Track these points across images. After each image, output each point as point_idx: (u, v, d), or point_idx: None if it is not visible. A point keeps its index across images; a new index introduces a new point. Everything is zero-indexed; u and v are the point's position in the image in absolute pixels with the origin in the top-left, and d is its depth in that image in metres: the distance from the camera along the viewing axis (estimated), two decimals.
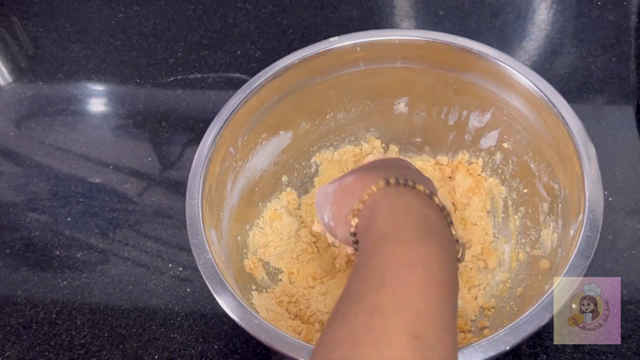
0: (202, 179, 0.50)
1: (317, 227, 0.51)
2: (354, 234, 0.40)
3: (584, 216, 0.45)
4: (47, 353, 0.57)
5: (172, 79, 0.78)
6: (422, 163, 0.63)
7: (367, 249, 0.36)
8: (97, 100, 0.79)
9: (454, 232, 0.39)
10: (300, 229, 0.60)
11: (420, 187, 0.39)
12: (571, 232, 0.47)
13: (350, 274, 0.35)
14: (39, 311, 0.60)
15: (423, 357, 0.29)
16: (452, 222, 0.39)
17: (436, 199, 0.39)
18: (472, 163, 0.62)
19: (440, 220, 0.38)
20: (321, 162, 0.64)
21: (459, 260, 0.39)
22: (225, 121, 0.53)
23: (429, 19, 0.80)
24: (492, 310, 0.54)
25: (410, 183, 0.39)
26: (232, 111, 0.53)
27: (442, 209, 0.39)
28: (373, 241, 0.36)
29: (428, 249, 0.34)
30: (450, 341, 0.32)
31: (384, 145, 0.65)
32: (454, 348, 0.32)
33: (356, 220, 0.40)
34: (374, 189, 0.39)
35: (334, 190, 0.43)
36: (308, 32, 0.80)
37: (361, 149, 0.64)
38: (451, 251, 0.37)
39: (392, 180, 0.39)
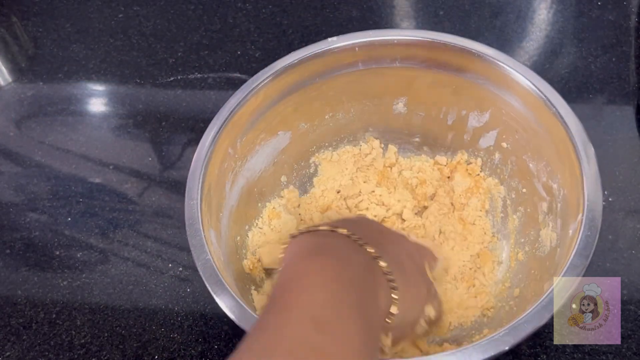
0: (201, 180, 0.50)
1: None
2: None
3: (583, 216, 0.45)
4: (47, 353, 0.57)
5: (172, 79, 0.78)
6: (421, 163, 0.63)
7: (278, 277, 0.40)
8: (97, 100, 0.79)
9: (368, 249, 0.41)
10: (299, 226, 0.60)
11: (323, 227, 0.43)
12: (570, 231, 0.47)
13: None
14: (39, 311, 0.60)
15: (321, 333, 0.33)
16: (363, 243, 0.41)
17: (340, 230, 0.42)
18: (470, 163, 0.62)
19: (339, 243, 0.41)
20: (320, 162, 0.64)
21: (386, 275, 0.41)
22: (224, 122, 0.53)
23: (429, 19, 0.80)
24: (492, 310, 0.54)
25: (311, 229, 0.43)
26: (231, 112, 0.53)
27: (348, 235, 0.42)
28: (282, 270, 0.41)
29: (321, 260, 0.39)
30: (347, 322, 0.35)
31: (382, 145, 0.65)
32: (352, 329, 0.35)
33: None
34: (285, 245, 0.43)
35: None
36: (308, 32, 0.80)
37: (360, 149, 0.64)
38: (351, 261, 0.40)
39: (296, 233, 0.43)
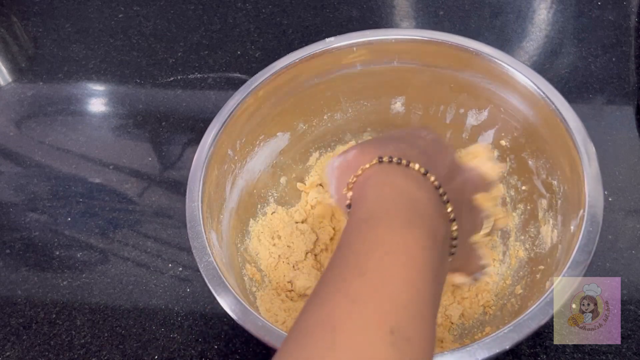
0: (201, 182, 0.50)
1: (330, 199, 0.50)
2: (349, 206, 0.40)
3: (584, 212, 0.45)
4: (47, 353, 0.57)
5: (172, 79, 0.78)
6: None
7: (351, 229, 0.36)
8: (97, 100, 0.79)
9: (449, 210, 0.38)
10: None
11: (415, 166, 0.38)
12: (572, 228, 0.47)
13: (333, 254, 0.35)
14: (39, 311, 0.60)
15: (396, 351, 0.30)
16: (448, 201, 0.38)
17: (432, 178, 0.38)
18: None
19: (431, 202, 0.37)
20: (319, 163, 0.64)
21: (454, 239, 0.39)
22: (223, 123, 0.53)
23: (429, 19, 0.81)
24: (493, 307, 0.54)
25: (404, 162, 0.38)
26: (230, 113, 0.53)
27: (437, 187, 0.38)
28: (358, 222, 0.36)
29: (412, 233, 0.34)
30: (427, 334, 0.32)
31: None
32: (430, 341, 0.32)
33: (350, 193, 0.40)
34: (367, 165, 0.39)
35: (339, 164, 0.43)
36: (308, 32, 0.80)
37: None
38: (440, 234, 0.36)
39: (385, 159, 0.38)
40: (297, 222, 0.61)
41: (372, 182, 0.38)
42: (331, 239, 0.60)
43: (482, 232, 0.44)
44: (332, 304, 0.31)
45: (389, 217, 0.35)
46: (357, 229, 0.35)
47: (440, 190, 0.38)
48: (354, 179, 0.39)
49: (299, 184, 0.63)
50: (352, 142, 0.64)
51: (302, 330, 0.31)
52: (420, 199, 0.37)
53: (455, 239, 0.39)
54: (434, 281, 0.33)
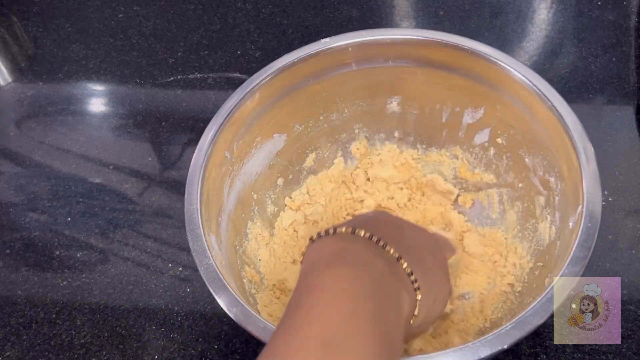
0: (199, 185, 0.50)
1: None
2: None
3: (582, 208, 0.45)
4: (47, 353, 0.57)
5: (172, 79, 0.78)
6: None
7: (293, 291, 0.39)
8: (97, 100, 0.79)
9: (391, 251, 0.40)
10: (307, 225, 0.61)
11: (342, 229, 0.41)
12: (570, 224, 0.47)
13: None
14: (39, 311, 0.60)
15: (329, 356, 0.32)
16: (384, 245, 0.40)
17: (361, 232, 0.40)
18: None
19: (358, 246, 0.40)
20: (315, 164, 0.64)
21: (409, 273, 0.41)
22: (220, 126, 0.53)
23: (429, 19, 0.81)
24: (492, 305, 0.54)
25: (330, 231, 0.41)
26: (227, 115, 0.53)
27: (369, 237, 0.40)
28: (297, 283, 0.39)
29: (334, 270, 0.37)
30: (360, 340, 0.33)
31: (379, 146, 0.65)
32: (365, 346, 0.33)
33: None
34: (303, 250, 0.43)
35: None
36: (308, 32, 0.80)
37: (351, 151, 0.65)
38: (369, 266, 0.38)
39: (314, 237, 0.42)
40: (294, 223, 0.61)
41: (306, 255, 0.42)
42: None
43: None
44: (273, 339, 0.35)
45: (315, 268, 0.38)
46: (297, 284, 0.39)
47: (374, 239, 0.40)
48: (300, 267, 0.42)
49: (287, 199, 0.63)
50: (348, 143, 0.64)
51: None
52: (346, 247, 0.40)
53: (410, 274, 0.40)
54: (365, 303, 0.35)
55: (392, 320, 0.37)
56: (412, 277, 0.40)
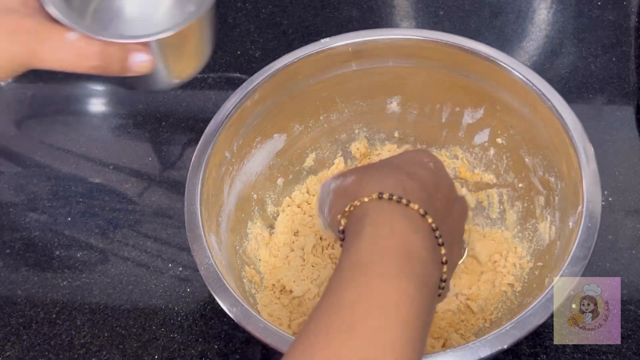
0: (200, 185, 0.50)
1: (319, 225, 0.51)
2: (342, 232, 0.40)
3: (582, 208, 0.45)
4: (47, 353, 0.57)
5: None
6: None
7: (344, 272, 0.35)
8: (97, 100, 0.79)
9: (443, 253, 0.38)
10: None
11: (415, 206, 0.37)
12: (570, 224, 0.47)
13: (323, 296, 0.35)
14: (39, 311, 0.60)
15: None
16: (442, 244, 0.38)
17: (429, 219, 0.38)
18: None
19: (426, 246, 0.37)
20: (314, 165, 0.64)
21: (443, 281, 0.38)
22: (220, 126, 0.53)
23: (429, 19, 0.80)
24: (492, 305, 0.54)
25: (404, 201, 0.37)
26: (227, 116, 0.53)
27: (434, 230, 0.38)
28: (351, 265, 0.36)
29: (404, 284, 0.34)
30: None
31: (379, 146, 0.65)
32: None
33: (344, 221, 0.39)
34: (366, 199, 0.38)
35: (335, 188, 0.42)
36: (308, 32, 0.80)
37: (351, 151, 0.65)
38: (432, 281, 0.36)
39: (385, 196, 0.38)
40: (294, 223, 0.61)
41: (369, 220, 0.37)
42: (329, 245, 0.60)
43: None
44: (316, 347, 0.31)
45: (382, 265, 0.35)
46: (350, 272, 0.35)
47: (437, 233, 0.38)
48: (351, 208, 0.39)
49: (287, 199, 0.62)
50: (348, 143, 0.64)
51: None
52: (416, 243, 0.36)
53: (444, 280, 0.39)
54: (421, 333, 0.34)
55: (425, 343, 0.36)
56: (445, 268, 0.39)
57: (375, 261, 0.35)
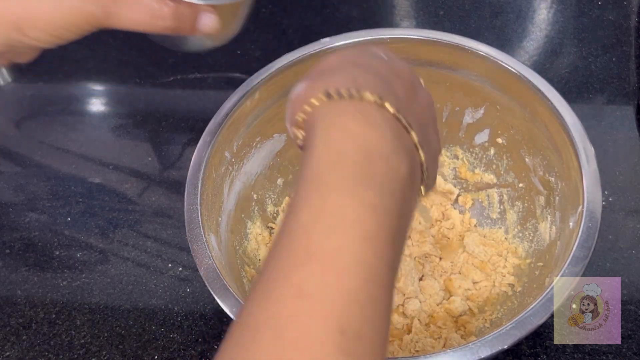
0: (199, 185, 0.50)
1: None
2: (301, 148, 0.36)
3: (583, 208, 0.45)
4: (46, 353, 0.57)
5: (172, 78, 0.78)
6: None
7: (299, 191, 0.31)
8: (97, 100, 0.79)
9: (413, 136, 0.33)
10: None
11: (369, 96, 0.32)
12: (570, 224, 0.47)
13: (282, 221, 0.31)
14: (38, 311, 0.60)
15: (346, 356, 0.27)
16: (411, 127, 0.33)
17: (389, 107, 0.33)
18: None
19: (388, 140, 0.32)
20: None
21: (424, 180, 0.34)
22: (220, 126, 0.53)
23: (429, 19, 0.80)
24: (492, 306, 0.54)
25: (355, 93, 0.33)
26: (227, 115, 0.53)
27: (396, 116, 0.33)
28: (304, 183, 0.31)
29: (362, 193, 0.30)
30: (380, 324, 0.29)
31: None
32: (383, 337, 0.29)
33: (302, 132, 0.36)
34: (316, 103, 0.34)
35: (293, 96, 0.37)
36: (308, 32, 0.80)
37: None
38: (400, 178, 0.31)
39: (332, 93, 0.33)
40: None
41: (319, 126, 0.33)
42: None
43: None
44: (278, 300, 0.28)
45: (336, 175, 0.31)
46: (304, 190, 0.31)
47: (401, 117, 0.33)
48: (303, 116, 0.35)
49: (287, 199, 0.62)
50: None
51: (248, 329, 0.28)
52: (374, 139, 0.32)
53: (425, 169, 0.34)
54: (392, 241, 0.30)
55: (403, 238, 0.32)
56: (424, 169, 0.34)
57: (328, 172, 0.31)
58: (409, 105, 0.35)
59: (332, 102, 0.33)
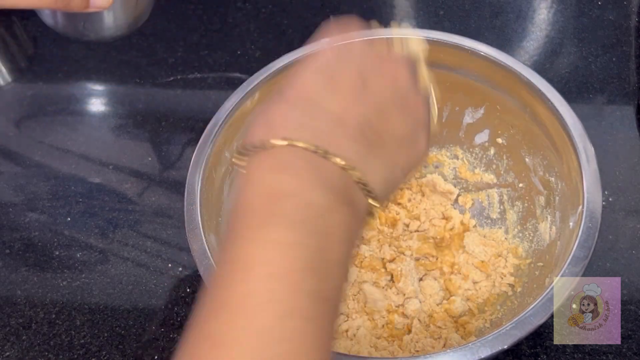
0: (199, 185, 0.50)
1: None
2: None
3: (583, 208, 0.45)
4: (46, 353, 0.57)
5: (172, 78, 0.78)
6: None
7: (222, 247, 0.32)
8: (97, 100, 0.79)
9: (340, 163, 0.32)
10: None
11: (279, 142, 0.32)
12: (570, 224, 0.47)
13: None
14: (38, 311, 0.60)
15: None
16: (332, 155, 0.32)
17: (299, 144, 0.32)
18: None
19: (294, 181, 0.31)
20: None
21: (370, 194, 0.33)
22: (220, 126, 0.53)
23: (429, 19, 0.80)
24: (492, 306, 0.54)
25: (267, 144, 0.32)
26: (227, 116, 0.53)
27: (311, 151, 0.32)
28: (225, 238, 0.32)
29: (267, 239, 0.29)
30: (301, 344, 0.28)
31: None
32: (309, 348, 0.28)
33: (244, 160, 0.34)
34: (245, 151, 0.34)
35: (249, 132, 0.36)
36: (308, 32, 0.80)
37: None
38: (313, 216, 0.30)
39: (254, 144, 0.33)
40: None
41: (241, 182, 0.33)
42: None
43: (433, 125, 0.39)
44: (198, 354, 0.28)
45: (243, 225, 0.31)
46: (224, 244, 0.32)
47: (318, 150, 0.32)
48: (240, 157, 0.34)
49: None
50: None
51: None
52: (283, 182, 0.31)
53: (363, 183, 0.33)
54: (313, 274, 0.29)
55: (337, 278, 0.31)
56: (367, 188, 0.33)
57: (238, 222, 0.31)
58: (345, 109, 0.34)
59: (253, 156, 0.33)
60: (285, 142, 0.32)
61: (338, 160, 0.32)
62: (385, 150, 0.35)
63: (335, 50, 0.40)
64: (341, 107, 0.34)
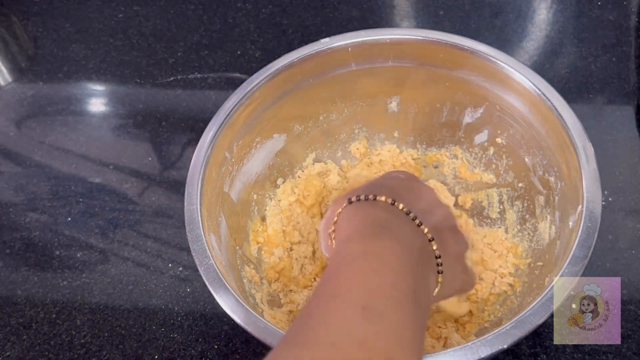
0: (199, 185, 0.50)
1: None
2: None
3: (582, 207, 0.45)
4: (47, 353, 0.57)
5: (172, 79, 0.78)
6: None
7: (331, 257, 0.39)
8: (97, 100, 0.79)
9: (425, 231, 0.41)
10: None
11: (382, 198, 0.41)
12: (570, 223, 0.47)
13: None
14: (39, 311, 0.60)
15: (369, 322, 0.32)
16: (421, 223, 0.41)
17: (400, 205, 0.41)
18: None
19: (402, 222, 0.40)
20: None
21: (438, 257, 0.41)
22: (220, 126, 0.53)
23: (429, 19, 0.81)
24: (492, 305, 0.54)
25: (371, 196, 0.41)
26: (227, 116, 0.54)
27: (407, 213, 0.41)
28: (335, 249, 0.40)
29: (381, 241, 0.38)
30: (400, 312, 0.34)
31: (379, 146, 0.65)
32: (404, 319, 0.34)
33: (334, 242, 0.43)
34: (340, 210, 0.43)
35: (322, 225, 0.46)
36: (308, 32, 0.80)
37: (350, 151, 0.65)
38: (414, 245, 0.39)
39: (353, 199, 0.42)
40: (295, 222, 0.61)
41: (344, 217, 0.42)
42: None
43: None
44: (309, 308, 0.35)
45: (359, 235, 0.39)
46: (334, 253, 0.40)
47: (411, 215, 0.41)
48: (332, 227, 0.43)
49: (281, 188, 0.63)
50: (348, 143, 0.64)
51: (284, 336, 0.35)
52: (387, 218, 0.40)
53: (438, 257, 0.41)
54: (406, 276, 0.36)
55: (424, 298, 0.38)
56: (439, 260, 0.41)
57: (353, 235, 0.39)
58: (428, 215, 0.42)
59: (352, 204, 0.42)
60: (387, 199, 0.41)
61: (425, 229, 0.41)
62: (445, 243, 0.43)
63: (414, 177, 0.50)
64: (427, 204, 0.44)
